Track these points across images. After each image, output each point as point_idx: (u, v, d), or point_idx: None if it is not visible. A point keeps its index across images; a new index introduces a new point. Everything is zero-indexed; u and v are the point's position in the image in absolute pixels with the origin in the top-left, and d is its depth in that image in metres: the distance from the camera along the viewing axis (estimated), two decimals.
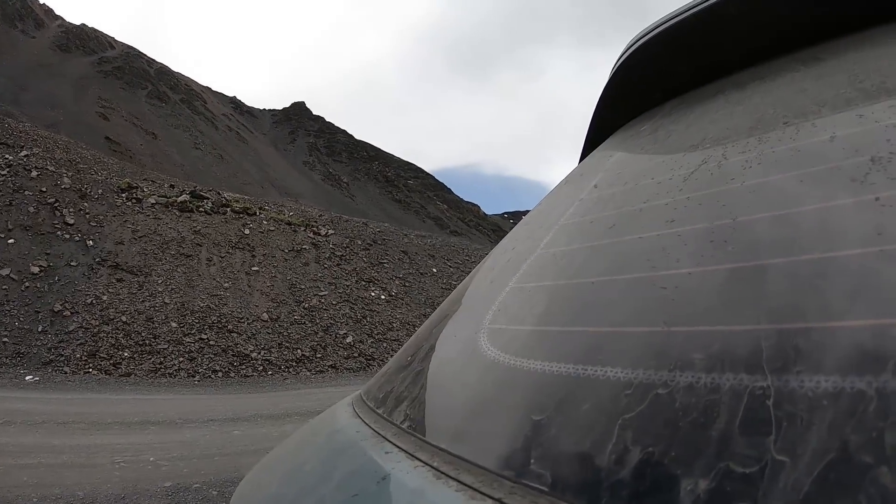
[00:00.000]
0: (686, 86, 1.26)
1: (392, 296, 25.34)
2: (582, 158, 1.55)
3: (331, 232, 27.50)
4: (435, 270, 28.88)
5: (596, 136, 1.51)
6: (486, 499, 0.62)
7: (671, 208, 0.84)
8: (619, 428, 0.58)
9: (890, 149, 0.65)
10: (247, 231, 24.55)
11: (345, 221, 29.96)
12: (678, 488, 0.50)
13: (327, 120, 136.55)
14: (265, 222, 25.82)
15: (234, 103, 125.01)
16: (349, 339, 21.40)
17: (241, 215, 25.61)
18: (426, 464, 0.74)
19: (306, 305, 22.12)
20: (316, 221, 28.46)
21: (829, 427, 0.45)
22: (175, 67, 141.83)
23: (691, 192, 0.85)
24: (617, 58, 1.39)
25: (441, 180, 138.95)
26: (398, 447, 0.82)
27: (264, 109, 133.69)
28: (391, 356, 16.46)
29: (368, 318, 23.05)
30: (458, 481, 0.67)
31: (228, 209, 25.34)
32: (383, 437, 0.89)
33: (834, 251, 0.59)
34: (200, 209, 24.63)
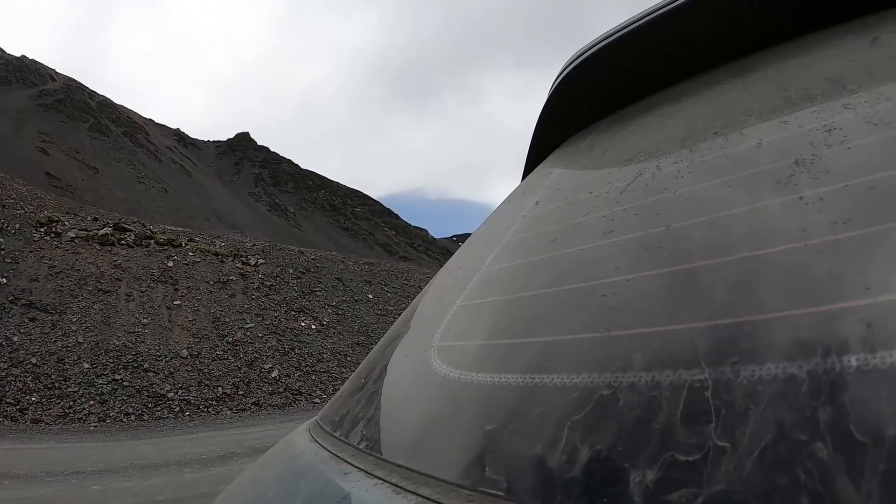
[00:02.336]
0: (621, 102, 1.31)
1: (324, 325, 24.26)
2: (524, 177, 1.59)
3: (261, 261, 26.56)
4: (371, 297, 27.89)
5: (536, 155, 1.56)
6: None
7: (609, 220, 0.87)
8: (569, 430, 0.61)
9: (812, 151, 0.70)
10: (170, 264, 23.54)
11: (277, 250, 29.00)
12: (627, 480, 0.52)
13: (272, 150, 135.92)
14: (190, 254, 24.86)
15: (178, 135, 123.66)
16: (275, 374, 20.21)
17: (166, 247, 24.68)
18: (385, 481, 0.75)
19: (230, 339, 20.97)
20: (246, 251, 27.44)
21: (765, 411, 0.48)
22: (117, 100, 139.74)
23: (627, 203, 0.88)
24: (554, 78, 1.43)
25: (388, 206, 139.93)
26: (357, 467, 0.83)
27: (208, 141, 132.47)
28: (320, 390, 15.63)
29: (297, 350, 21.92)
30: (417, 494, 0.69)
31: (152, 241, 24.36)
32: (341, 458, 0.89)
33: (762, 249, 0.63)
34: (122, 242, 23.60)
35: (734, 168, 0.79)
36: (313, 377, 20.77)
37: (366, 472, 0.80)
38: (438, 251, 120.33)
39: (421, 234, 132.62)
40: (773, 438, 0.47)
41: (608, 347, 0.67)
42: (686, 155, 0.89)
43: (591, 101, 1.38)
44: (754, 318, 0.56)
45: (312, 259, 29.02)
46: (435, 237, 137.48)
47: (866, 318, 0.48)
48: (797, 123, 0.78)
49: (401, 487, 0.72)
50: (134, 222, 26.25)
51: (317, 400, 19.44)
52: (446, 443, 0.77)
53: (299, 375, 20.58)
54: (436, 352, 0.92)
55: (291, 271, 26.69)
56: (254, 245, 28.05)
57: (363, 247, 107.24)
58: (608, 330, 0.69)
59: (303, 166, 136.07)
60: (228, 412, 17.86)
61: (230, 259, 25.58)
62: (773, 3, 1.06)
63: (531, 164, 1.58)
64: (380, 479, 0.77)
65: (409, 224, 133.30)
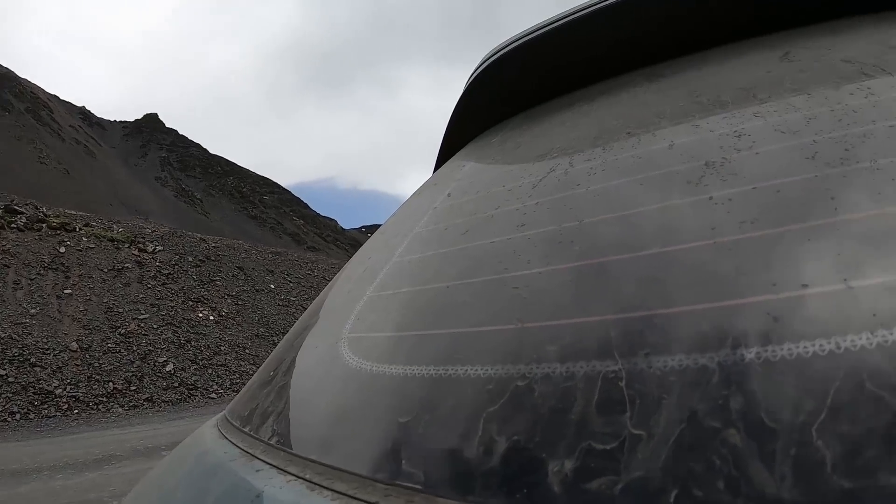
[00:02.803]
0: (535, 100, 1.35)
1: (222, 316, 23.07)
2: (436, 169, 1.61)
3: (159, 248, 24.83)
4: (273, 286, 26.86)
5: (449, 148, 1.58)
6: (362, 503, 0.64)
7: (521, 213, 0.89)
8: (484, 421, 0.61)
9: (722, 154, 0.74)
10: (62, 249, 21.55)
11: (177, 237, 27.07)
12: (545, 470, 0.53)
13: (181, 133, 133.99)
14: (85, 239, 22.76)
15: (83, 114, 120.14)
16: (169, 367, 18.94)
17: (59, 232, 22.51)
18: (298, 477, 0.74)
19: (123, 331, 19.44)
20: (144, 237, 25.39)
21: (678, 400, 0.51)
22: (21, 73, 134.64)
23: (540, 197, 0.90)
24: (470, 73, 1.46)
25: (297, 195, 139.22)
26: (269, 464, 0.82)
27: (115, 121, 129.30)
28: (217, 384, 15.73)
29: (193, 343, 20.70)
30: (333, 490, 0.68)
31: (44, 225, 22.57)
32: (252, 455, 0.87)
33: (673, 245, 0.67)
34: (13, 225, 21.83)
35: (646, 167, 0.82)
36: (210, 371, 19.82)
37: (278, 468, 0.78)
38: (347, 242, 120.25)
39: (330, 224, 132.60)
40: (687, 427, 0.49)
41: (521, 339, 0.68)
42: (599, 153, 0.92)
43: (505, 97, 1.40)
44: (666, 311, 0.59)
45: (214, 247, 27.71)
46: (344, 228, 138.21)
47: (773, 313, 0.52)
48: (708, 128, 0.82)
49: (315, 483, 0.71)
50: (26, 204, 24.85)
51: (213, 395, 18.68)
52: (360, 436, 0.76)
53: (195, 369, 19.60)
54: (346, 343, 0.91)
55: (191, 259, 25.35)
56: (154, 231, 26.72)
57: (271, 236, 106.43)
58: (521, 321, 0.70)
59: (212, 151, 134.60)
60: (120, 409, 16.74)
61: (126, 245, 23.91)
62: (689, 14, 1.11)
63: (444, 158, 1.59)
64: (293, 475, 0.75)
65: (319, 214, 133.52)
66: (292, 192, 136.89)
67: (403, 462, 0.66)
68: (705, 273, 0.60)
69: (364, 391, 0.82)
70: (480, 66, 1.40)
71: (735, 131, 0.78)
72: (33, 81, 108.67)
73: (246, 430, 1.00)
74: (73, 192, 79.84)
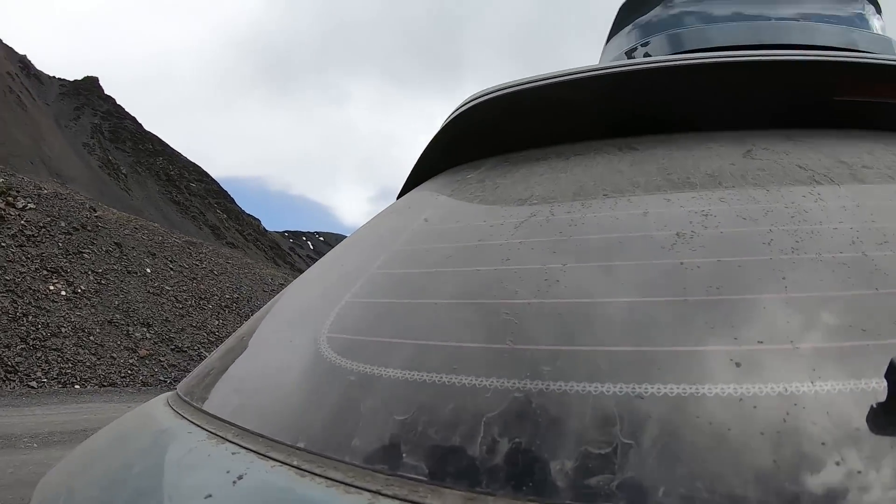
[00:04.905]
0: (511, 147, 1.43)
1: (77, 293, 20.78)
2: (403, 192, 1.69)
3: (30, 206, 22.53)
4: (150, 271, 24.77)
5: (420, 174, 1.65)
6: (363, 492, 0.67)
7: (506, 249, 0.96)
8: (485, 424, 0.68)
9: (692, 228, 0.86)
10: None
11: (57, 198, 24.46)
12: (549, 468, 0.62)
13: (118, 103, 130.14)
14: None
15: (23, 63, 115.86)
16: None
17: None
18: (284, 463, 0.76)
19: None
20: (17, 191, 23.07)
21: (663, 418, 0.62)
22: None
23: (523, 238, 0.97)
24: (454, 109, 1.54)
25: (225, 188, 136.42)
26: (245, 447, 0.82)
27: (53, 77, 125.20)
28: (42, 371, 14.97)
29: (31, 318, 18.47)
30: (327, 478, 0.71)
31: None
32: (223, 437, 0.87)
33: (650, 297, 0.78)
34: None
35: (623, 227, 0.92)
36: (39, 354, 17.65)
37: (258, 453, 0.80)
38: (268, 243, 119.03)
39: (253, 223, 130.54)
40: (671, 440, 0.60)
41: (515, 357, 0.75)
42: (578, 208, 1.00)
43: (482, 138, 1.48)
44: (643, 348, 0.71)
45: (97, 216, 25.24)
46: (267, 229, 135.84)
47: (735, 359, 0.65)
48: (679, 203, 0.94)
49: (305, 471, 0.73)
50: None
51: (33, 383, 16.55)
52: (349, 429, 0.79)
53: (22, 349, 17.41)
54: (326, 342, 0.94)
55: (63, 224, 23.10)
56: (34, 185, 24.74)
57: (192, 225, 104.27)
58: (514, 343, 0.77)
59: (146, 127, 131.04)
60: None
61: None
62: (663, 100, 1.24)
63: (413, 183, 1.67)
64: (277, 461, 0.77)
65: (244, 211, 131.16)
66: (220, 184, 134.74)
67: (404, 456, 0.70)
68: (677, 322, 0.73)
69: (352, 389, 0.84)
70: (464, 104, 1.47)
71: (703, 210, 0.89)
72: None
73: (211, 412, 0.98)
74: None
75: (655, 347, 0.70)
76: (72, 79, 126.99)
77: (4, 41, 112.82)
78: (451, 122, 1.52)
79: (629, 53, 2.43)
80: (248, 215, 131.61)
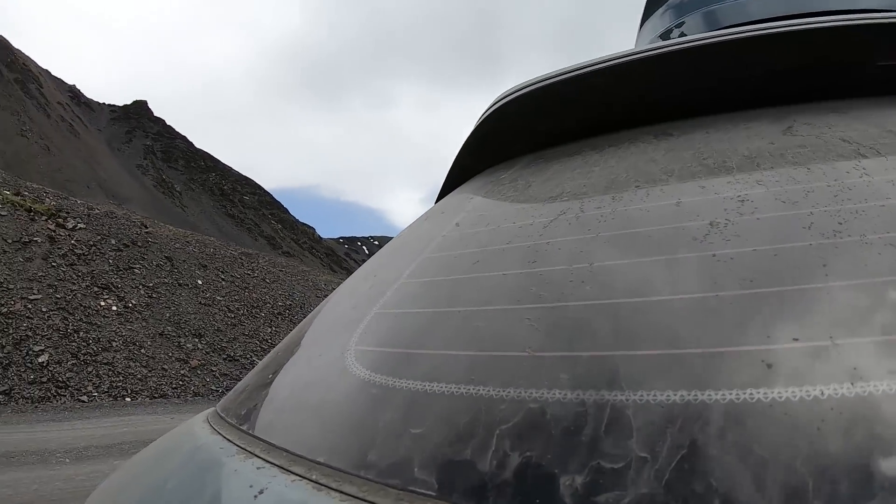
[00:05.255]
0: (545, 142, 1.42)
1: (128, 307, 20.76)
2: (440, 197, 1.67)
3: (80, 226, 22.49)
4: (201, 282, 24.70)
5: (455, 178, 1.63)
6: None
7: (533, 251, 0.94)
8: (498, 437, 0.66)
9: (727, 216, 0.80)
10: None
11: (107, 217, 24.54)
12: (558, 483, 0.59)
13: (168, 123, 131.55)
14: None
15: (73, 92, 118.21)
16: (43, 359, 16.68)
17: None
18: (304, 477, 0.76)
19: (4, 310, 17.33)
20: (67, 212, 22.94)
21: (679, 430, 0.57)
22: (16, 43, 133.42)
23: (551, 237, 0.94)
24: (484, 109, 1.50)
25: (278, 199, 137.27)
26: (270, 462, 0.83)
27: (103, 104, 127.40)
28: (93, 385, 14.58)
29: (82, 333, 18.39)
30: (342, 492, 0.71)
31: None
32: (251, 452, 0.89)
33: (680, 294, 0.73)
34: None
35: (655, 220, 0.87)
36: (90, 369, 17.59)
37: (281, 467, 0.80)
38: (323, 251, 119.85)
39: (308, 231, 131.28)
40: (688, 453, 0.55)
41: (534, 366, 0.72)
42: (609, 202, 0.96)
43: (516, 136, 1.46)
44: (667, 352, 0.66)
45: (147, 231, 25.17)
46: (322, 236, 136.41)
47: (767, 360, 0.60)
48: (714, 190, 0.88)
49: (322, 484, 0.73)
50: None
51: (84, 398, 16.48)
52: (368, 443, 0.78)
53: (73, 364, 17.36)
54: (353, 355, 0.94)
55: (114, 242, 23.08)
56: (86, 207, 24.92)
57: (247, 236, 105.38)
58: (531, 350, 0.74)
59: (197, 145, 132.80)
60: None
61: (44, 218, 21.81)
62: (699, 80, 1.18)
63: (450, 186, 1.65)
64: (298, 475, 0.77)
65: (297, 220, 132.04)
66: (273, 195, 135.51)
67: (416, 470, 0.69)
68: (708, 321, 0.67)
69: (374, 402, 0.83)
70: (495, 104, 1.44)
71: (739, 196, 0.84)
72: (27, 53, 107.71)
73: (243, 427, 1.00)
74: (52, 170, 78.80)
75: (684, 350, 0.65)
76: (121, 104, 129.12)
77: (53, 73, 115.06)
78: (482, 123, 1.50)
79: (664, 36, 2.38)
80: (303, 224, 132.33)
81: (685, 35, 2.12)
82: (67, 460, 10.26)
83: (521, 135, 1.45)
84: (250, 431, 0.98)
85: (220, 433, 1.02)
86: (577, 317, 0.78)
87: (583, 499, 0.57)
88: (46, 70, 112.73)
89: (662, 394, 0.60)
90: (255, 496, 0.77)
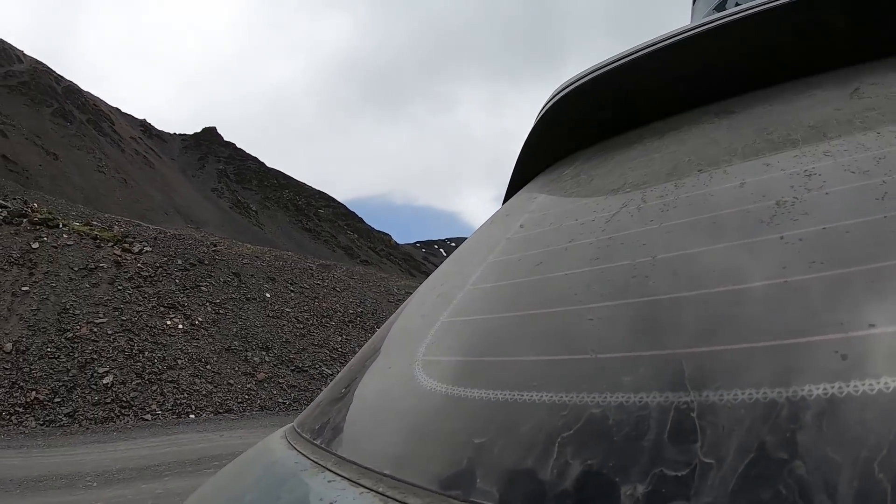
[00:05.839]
0: (606, 133, 1.37)
1: (194, 325, 20.83)
2: (506, 200, 1.63)
3: (147, 249, 23.10)
4: (269, 295, 24.59)
5: (520, 179, 1.61)
6: None
7: (595, 247, 0.91)
8: (559, 445, 0.64)
9: (794, 194, 0.75)
10: (36, 245, 20.41)
11: (174, 238, 25.38)
12: (618, 493, 0.56)
13: (238, 146, 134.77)
14: (65, 235, 21.61)
15: (144, 126, 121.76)
16: (107, 380, 16.87)
17: (39, 227, 21.55)
18: (371, 490, 0.76)
19: (70, 335, 17.68)
20: (133, 237, 23.66)
21: (747, 432, 0.53)
22: (85, 86, 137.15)
23: (613, 232, 0.92)
24: (542, 105, 1.48)
25: (352, 210, 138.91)
26: (340, 475, 0.84)
27: (174, 134, 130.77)
28: (157, 404, 14.94)
29: (147, 353, 18.55)
30: None
31: (25, 220, 21.75)
32: (323, 466, 0.90)
33: (744, 283, 0.69)
34: None
35: (718, 205, 0.84)
36: (154, 387, 17.71)
37: (350, 480, 0.81)
38: (401, 257, 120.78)
39: (384, 238, 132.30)
40: (756, 457, 0.51)
41: (595, 369, 0.70)
42: (671, 189, 0.93)
43: (576, 130, 1.42)
44: (737, 346, 0.61)
45: (214, 249, 25.95)
46: (398, 243, 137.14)
47: (840, 351, 0.54)
48: (779, 167, 0.84)
49: (388, 497, 0.73)
50: (15, 199, 23.60)
51: (147, 416, 16.55)
52: (434, 454, 0.78)
53: (137, 384, 17.49)
54: (420, 365, 0.93)
55: (180, 262, 23.45)
56: (155, 230, 25.00)
57: (325, 249, 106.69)
58: (595, 352, 0.72)
59: (268, 164, 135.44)
60: (34, 422, 15.03)
61: (110, 244, 22.50)
62: (758, 50, 1.12)
63: (514, 188, 1.62)
64: (366, 487, 0.77)
65: (373, 228, 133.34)
66: (347, 207, 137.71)
67: (478, 481, 0.67)
68: (775, 311, 0.62)
69: (439, 412, 0.83)
70: (552, 98, 1.41)
71: (805, 170, 0.79)
72: (96, 95, 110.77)
73: (317, 442, 1.01)
74: (131, 201, 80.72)
75: (746, 345, 0.61)
76: (191, 132, 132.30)
77: (123, 111, 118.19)
78: (540, 121, 1.47)
79: (718, 7, 2.30)
80: (378, 232, 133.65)
81: (740, 4, 1.93)
82: (95, 484, 10.18)
83: (581, 128, 1.42)
84: (323, 445, 0.98)
85: (295, 448, 1.04)
86: (641, 313, 0.74)
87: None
88: (117, 108, 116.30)
89: (731, 392, 0.56)
90: None
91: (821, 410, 0.51)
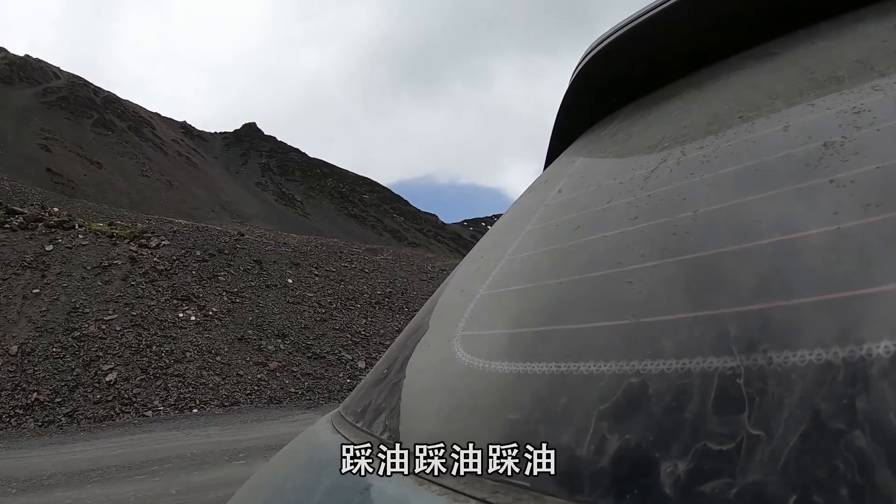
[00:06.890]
0: (643, 89, 1.33)
1: (208, 316, 20.57)
2: (546, 166, 1.60)
3: (164, 243, 23.30)
4: (290, 281, 24.29)
5: (558, 144, 1.57)
6: (470, 499, 0.65)
7: (633, 206, 0.88)
8: (596, 419, 0.61)
9: (842, 133, 0.70)
10: (49, 247, 20.69)
11: (194, 230, 25.51)
12: (658, 471, 0.53)
13: (279, 139, 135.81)
14: (80, 236, 21.89)
15: (185, 128, 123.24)
16: (110, 378, 16.66)
17: (55, 230, 22.00)
18: (403, 469, 0.76)
19: (77, 334, 17.63)
20: (151, 232, 23.98)
21: (800, 399, 0.48)
22: (123, 95, 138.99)
23: (652, 189, 0.89)
24: (575, 66, 1.45)
25: (397, 192, 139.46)
26: (377, 456, 0.83)
27: (215, 133, 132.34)
28: (160, 399, 14.71)
29: (155, 347, 18.33)
30: (441, 485, 0.70)
31: (41, 224, 22.40)
32: (362, 447, 0.88)
33: (793, 233, 0.63)
34: (5, 226, 21.77)
35: (761, 152, 0.79)
36: (158, 382, 17.37)
37: (384, 460, 0.81)
38: (448, 236, 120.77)
39: (431, 219, 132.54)
40: (809, 427, 0.46)
41: (635, 334, 0.67)
42: (712, 140, 0.90)
43: (612, 88, 1.40)
44: (786, 303, 0.57)
45: (236, 239, 25.90)
46: (445, 223, 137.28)
47: None
48: (825, 106, 0.79)
49: (420, 476, 0.73)
50: (32, 205, 23.58)
51: (148, 413, 16.23)
52: (471, 433, 0.75)
53: (141, 380, 17.18)
54: (459, 341, 0.92)
55: (199, 253, 23.40)
56: (170, 225, 24.79)
57: (371, 233, 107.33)
58: (635, 317, 0.69)
59: (310, 155, 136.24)
60: (33, 424, 14.86)
61: (126, 241, 22.69)
62: None
63: (553, 153, 1.59)
64: (398, 467, 0.77)
65: (419, 210, 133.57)
66: (392, 190, 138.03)
67: (514, 460, 0.65)
68: (829, 261, 0.57)
69: (475, 388, 0.82)
70: (584, 58, 1.39)
71: (854, 108, 0.74)
72: (135, 102, 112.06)
73: (359, 425, 1.02)
74: (177, 202, 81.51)
75: (797, 300, 0.56)
76: (232, 129, 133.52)
77: (163, 115, 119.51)
78: (574, 82, 1.44)
79: None
80: (425, 213, 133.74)
81: None
82: (58, 483, 9.78)
83: (616, 87, 1.38)
84: (364, 428, 0.98)
85: (339, 432, 1.05)
86: (680, 273, 0.71)
87: (696, 485, 0.49)
88: (156, 113, 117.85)
89: (779, 355, 0.51)
90: (361, 492, 0.79)
91: (884, 371, 0.45)
